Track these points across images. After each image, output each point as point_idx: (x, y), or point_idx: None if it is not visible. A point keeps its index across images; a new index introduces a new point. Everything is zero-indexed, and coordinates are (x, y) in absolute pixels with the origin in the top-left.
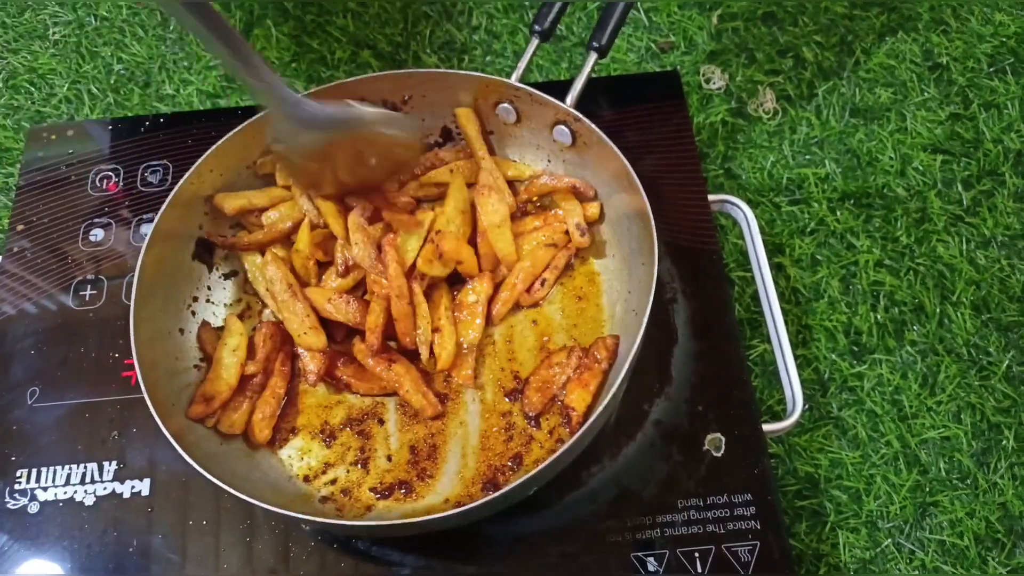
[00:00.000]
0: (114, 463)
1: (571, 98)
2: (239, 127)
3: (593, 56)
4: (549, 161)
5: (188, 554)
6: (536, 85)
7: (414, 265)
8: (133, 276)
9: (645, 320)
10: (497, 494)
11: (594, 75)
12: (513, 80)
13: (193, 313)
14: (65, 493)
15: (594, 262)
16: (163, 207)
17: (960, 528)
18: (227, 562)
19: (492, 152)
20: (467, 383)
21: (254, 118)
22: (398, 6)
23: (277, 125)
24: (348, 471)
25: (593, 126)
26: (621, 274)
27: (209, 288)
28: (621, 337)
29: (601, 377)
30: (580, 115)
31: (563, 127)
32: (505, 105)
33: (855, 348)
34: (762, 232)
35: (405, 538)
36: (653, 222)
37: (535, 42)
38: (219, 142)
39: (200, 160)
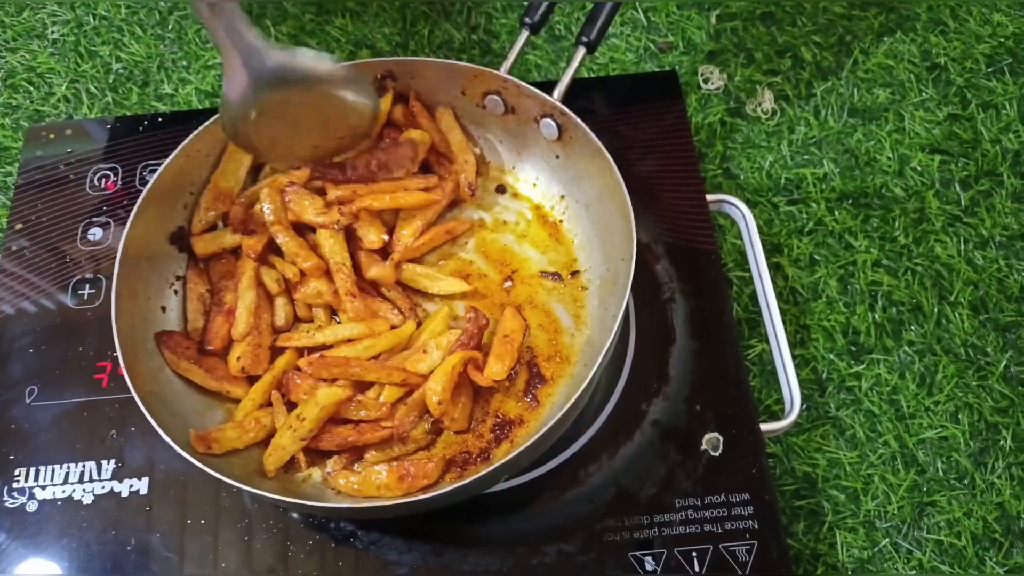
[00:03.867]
0: (112, 462)
1: (558, 92)
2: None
3: (581, 51)
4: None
5: (186, 553)
6: (531, 83)
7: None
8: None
9: (620, 315)
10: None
11: (592, 74)
12: (502, 72)
13: (176, 292)
14: (63, 492)
15: (580, 258)
16: (147, 188)
17: (957, 528)
18: (225, 560)
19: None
20: None
21: None
22: (396, 6)
23: (232, 80)
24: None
25: (578, 120)
26: (600, 267)
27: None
28: (597, 335)
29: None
30: (566, 109)
31: (550, 120)
32: (494, 96)
33: (853, 348)
34: (760, 232)
35: (403, 536)
36: (633, 219)
37: (524, 34)
38: (205, 124)
39: (186, 141)
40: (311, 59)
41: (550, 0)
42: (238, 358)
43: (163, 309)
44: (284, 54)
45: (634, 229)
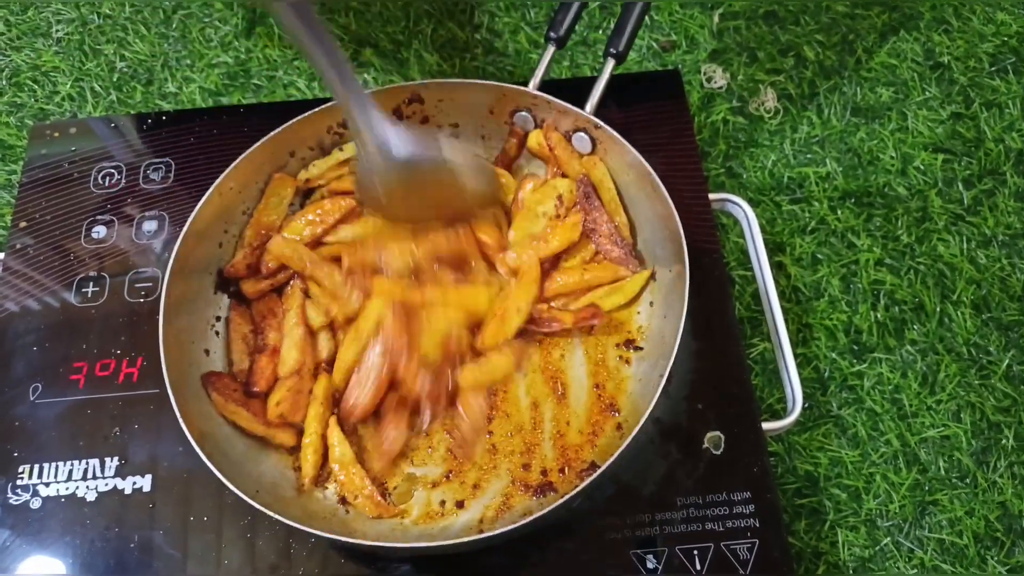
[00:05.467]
0: (116, 459)
1: (590, 105)
2: (259, 142)
3: (611, 63)
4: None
5: (189, 550)
6: (543, 86)
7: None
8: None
9: (681, 326)
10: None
11: (595, 74)
12: (531, 88)
13: (217, 333)
14: (67, 489)
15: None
16: (183, 230)
17: (959, 527)
18: (228, 558)
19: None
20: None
21: (267, 138)
22: (400, 4)
23: (366, 161)
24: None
25: (614, 132)
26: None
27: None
28: (649, 348)
29: None
30: (600, 122)
31: (583, 134)
32: (523, 113)
33: (855, 347)
34: (763, 231)
35: None
36: (680, 225)
37: (551, 49)
38: (236, 161)
39: (219, 179)
40: (437, 148)
41: (579, 2)
42: (277, 403)
43: (207, 352)
44: (414, 144)
45: (683, 235)
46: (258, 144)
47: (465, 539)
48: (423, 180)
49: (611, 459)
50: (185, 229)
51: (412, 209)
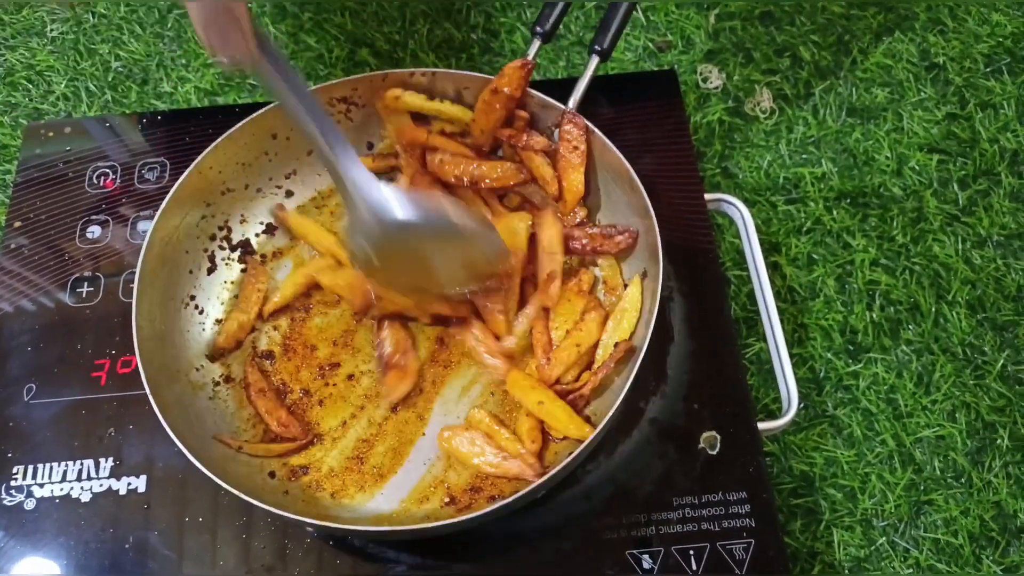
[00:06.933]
0: (110, 460)
1: (573, 101)
2: (238, 125)
3: (595, 59)
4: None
5: (185, 551)
6: (534, 84)
7: None
8: (133, 272)
9: (651, 327)
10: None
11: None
12: None
13: (198, 308)
14: (61, 490)
15: (594, 269)
16: (162, 205)
17: (954, 527)
18: (223, 559)
19: None
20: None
21: (248, 119)
22: (396, 4)
23: (359, 221)
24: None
25: (595, 129)
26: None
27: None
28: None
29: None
30: (583, 118)
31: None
32: None
33: (851, 347)
34: (758, 231)
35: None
36: (657, 226)
37: (537, 43)
38: (220, 138)
39: (201, 156)
40: (442, 211)
41: (564, 2)
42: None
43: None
44: (416, 206)
45: (658, 230)
46: (241, 124)
47: (432, 524)
48: (424, 245)
49: (579, 450)
50: (166, 201)
51: (411, 276)
